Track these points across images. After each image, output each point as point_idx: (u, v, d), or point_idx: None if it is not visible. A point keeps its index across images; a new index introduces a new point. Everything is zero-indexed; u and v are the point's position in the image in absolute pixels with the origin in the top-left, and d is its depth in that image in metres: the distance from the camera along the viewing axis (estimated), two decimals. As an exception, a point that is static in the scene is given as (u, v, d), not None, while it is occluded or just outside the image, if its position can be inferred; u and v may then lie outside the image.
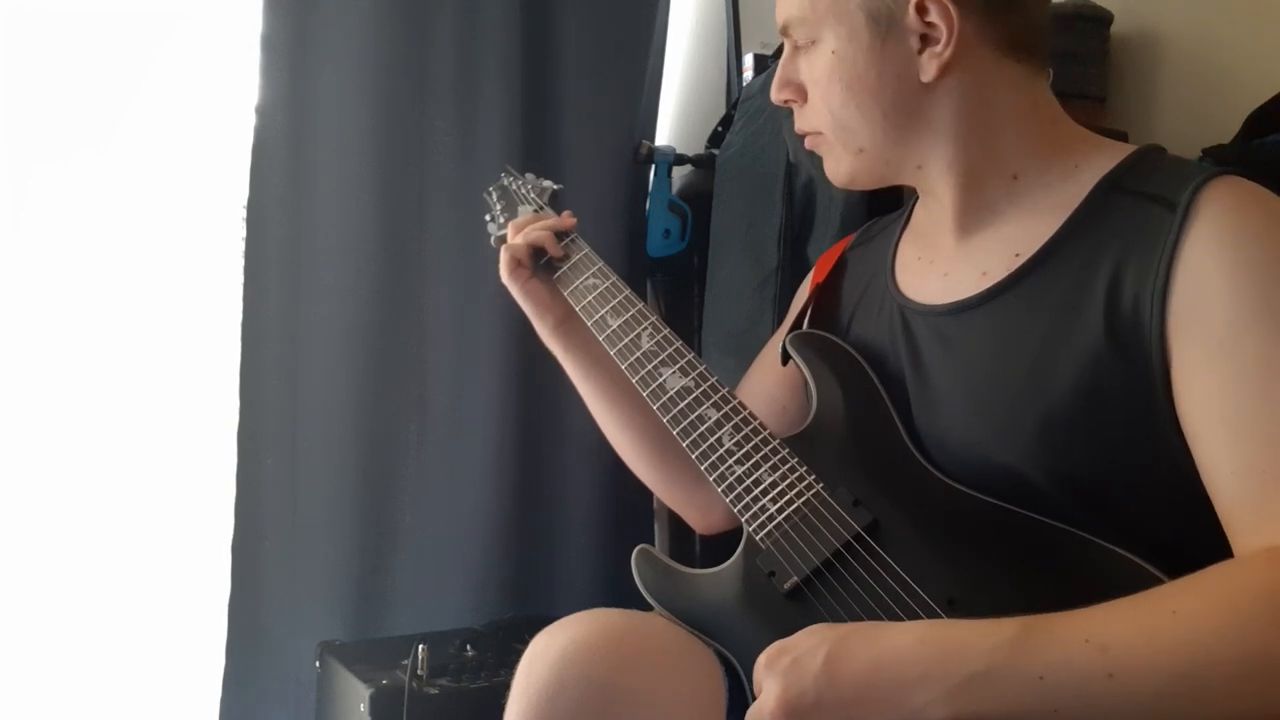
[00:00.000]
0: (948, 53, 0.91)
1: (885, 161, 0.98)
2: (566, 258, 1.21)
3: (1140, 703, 0.70)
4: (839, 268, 1.14)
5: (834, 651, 0.76)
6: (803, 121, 1.02)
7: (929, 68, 0.92)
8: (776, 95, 1.02)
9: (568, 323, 1.22)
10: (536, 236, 1.22)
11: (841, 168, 1.00)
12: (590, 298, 1.16)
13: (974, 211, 0.96)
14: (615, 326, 1.12)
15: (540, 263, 1.23)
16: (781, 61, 1.01)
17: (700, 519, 1.25)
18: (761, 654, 0.79)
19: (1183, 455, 0.82)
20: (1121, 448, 0.84)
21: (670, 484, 1.24)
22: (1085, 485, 0.85)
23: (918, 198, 1.06)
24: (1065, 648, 0.72)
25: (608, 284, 1.16)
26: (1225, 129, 1.39)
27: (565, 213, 1.27)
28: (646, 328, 1.10)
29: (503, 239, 1.32)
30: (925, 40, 0.92)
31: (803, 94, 1.00)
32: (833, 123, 0.98)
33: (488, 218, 1.36)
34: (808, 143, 1.03)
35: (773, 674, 0.77)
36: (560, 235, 1.23)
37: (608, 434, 1.27)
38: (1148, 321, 0.82)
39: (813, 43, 0.97)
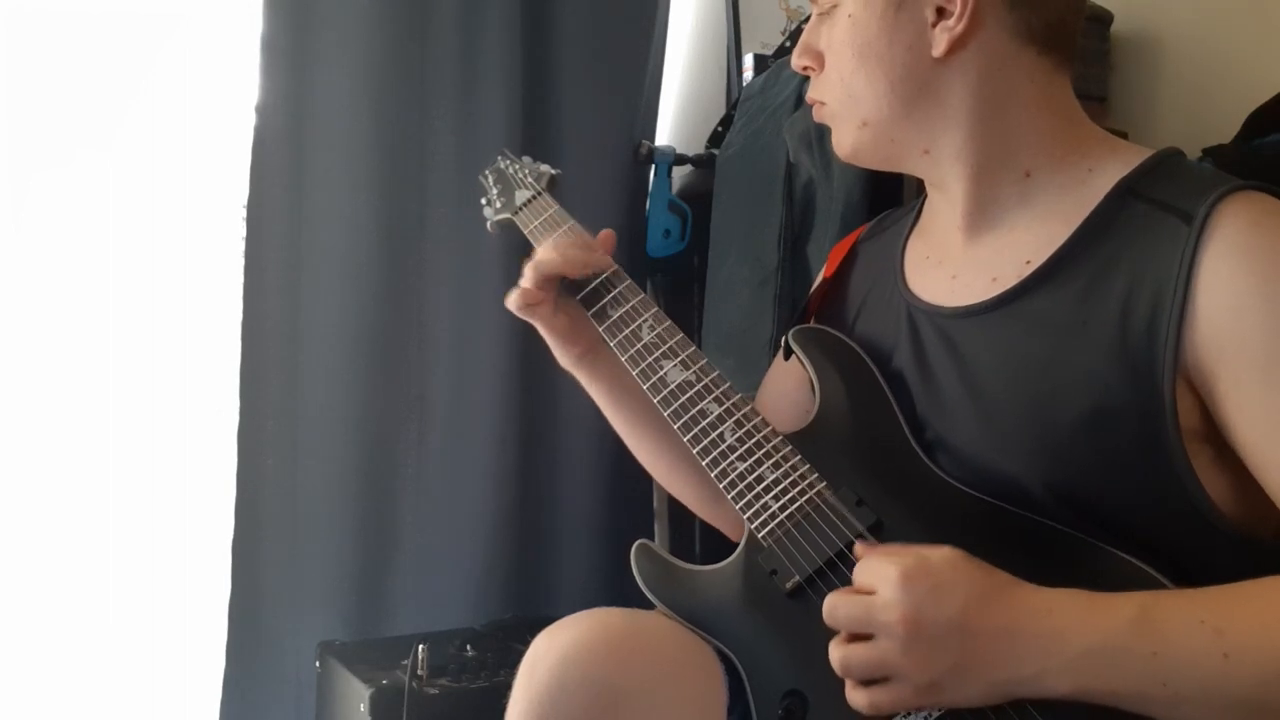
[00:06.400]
0: (960, 27, 0.90)
1: (890, 139, 0.97)
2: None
3: (1251, 685, 0.73)
4: (850, 259, 1.13)
5: (972, 603, 0.77)
6: (814, 90, 1.01)
7: (940, 41, 0.91)
8: (796, 61, 1.01)
9: (592, 353, 1.16)
10: (569, 261, 1.10)
11: (845, 140, 0.99)
12: (589, 287, 1.13)
13: (984, 209, 0.95)
14: (615, 317, 1.10)
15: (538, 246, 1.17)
16: (806, 29, 1.01)
17: (738, 533, 1.22)
18: (894, 557, 0.79)
19: (1187, 473, 0.82)
20: (1123, 466, 0.84)
21: (706, 501, 1.21)
22: (1085, 499, 0.85)
23: (927, 195, 1.05)
24: (1181, 627, 0.75)
25: (607, 274, 1.13)
26: (1225, 129, 1.39)
27: (603, 233, 1.16)
28: (647, 319, 1.08)
29: (499, 224, 1.29)
30: (940, 14, 0.91)
31: (821, 61, 0.99)
32: (842, 91, 0.97)
33: (484, 201, 1.33)
34: (814, 113, 1.02)
35: (908, 590, 0.77)
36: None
37: (637, 455, 1.23)
38: (1162, 342, 0.82)
39: (833, 7, 0.97)
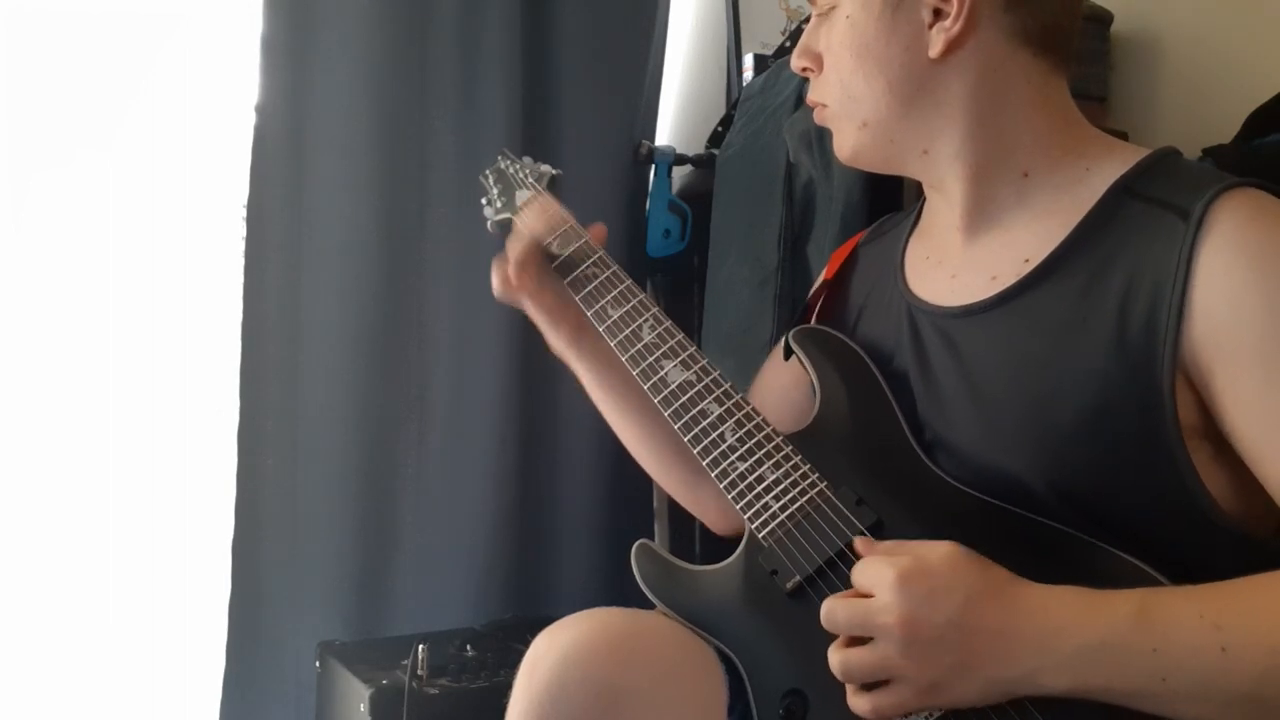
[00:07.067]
0: (956, 28, 0.90)
1: (890, 140, 0.97)
2: (565, 245, 1.19)
3: (1250, 679, 0.74)
4: (850, 262, 1.14)
5: (970, 603, 0.77)
6: (814, 91, 1.02)
7: (937, 43, 0.91)
8: (795, 63, 1.02)
9: (581, 334, 1.18)
10: (542, 230, 1.16)
11: (845, 142, 1.00)
12: (590, 287, 1.14)
13: (982, 209, 0.96)
14: (616, 317, 1.10)
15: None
16: (805, 31, 1.01)
17: (720, 522, 1.23)
18: (891, 559, 0.80)
19: (1187, 470, 0.82)
20: (1123, 463, 0.84)
21: (689, 488, 1.23)
22: (1086, 497, 0.85)
23: (926, 197, 1.05)
24: (1180, 623, 0.75)
25: (608, 274, 1.14)
26: (1225, 129, 1.39)
27: (595, 226, 1.19)
28: (648, 319, 1.09)
29: (499, 224, 1.29)
30: (937, 15, 0.92)
31: (820, 63, 1.00)
32: (841, 93, 0.97)
33: (484, 201, 1.33)
34: (815, 115, 1.03)
35: (904, 592, 0.77)
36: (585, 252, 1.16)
37: (624, 440, 1.25)
38: (1161, 339, 0.82)
39: (832, 9, 0.97)
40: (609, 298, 1.12)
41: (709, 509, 1.23)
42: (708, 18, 2.19)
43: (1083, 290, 0.87)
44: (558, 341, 1.21)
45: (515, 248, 1.16)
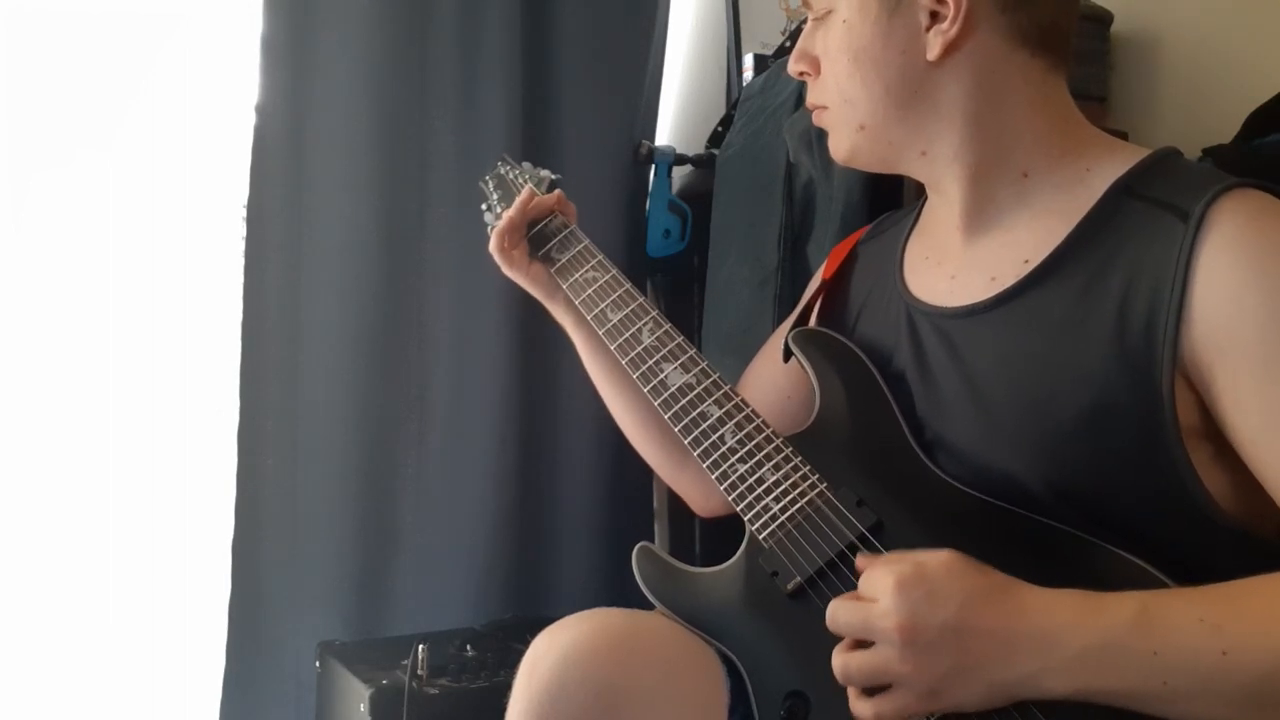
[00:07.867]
0: (953, 31, 0.90)
1: (887, 142, 0.97)
2: (565, 250, 1.20)
3: (1250, 680, 0.74)
4: (849, 261, 1.14)
5: (968, 606, 0.77)
6: (812, 95, 1.02)
7: (934, 45, 0.91)
8: (792, 67, 1.02)
9: (572, 306, 1.21)
10: (524, 211, 1.23)
11: (842, 144, 1.00)
12: (590, 291, 1.15)
13: (982, 210, 0.96)
14: (615, 321, 1.11)
15: (539, 253, 1.23)
16: (802, 35, 1.01)
17: (701, 502, 1.26)
18: (892, 565, 0.80)
19: (1186, 470, 0.82)
20: (1123, 464, 0.84)
21: (673, 466, 1.24)
22: (1086, 497, 0.85)
23: (927, 197, 1.05)
24: (1180, 626, 0.75)
25: (608, 277, 1.15)
26: (1225, 129, 1.39)
27: (555, 192, 1.26)
28: (647, 322, 1.10)
29: None
30: (934, 18, 0.92)
31: (817, 66, 1.00)
32: (838, 95, 0.98)
33: (484, 207, 1.34)
34: (814, 118, 1.03)
35: (903, 596, 0.77)
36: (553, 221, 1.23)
37: (613, 412, 1.27)
38: (1160, 339, 0.82)
39: (828, 13, 0.97)
40: (609, 301, 1.13)
41: (689, 488, 1.25)
42: (708, 18, 2.19)
43: (1082, 291, 0.87)
44: (555, 309, 1.26)
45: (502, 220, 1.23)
